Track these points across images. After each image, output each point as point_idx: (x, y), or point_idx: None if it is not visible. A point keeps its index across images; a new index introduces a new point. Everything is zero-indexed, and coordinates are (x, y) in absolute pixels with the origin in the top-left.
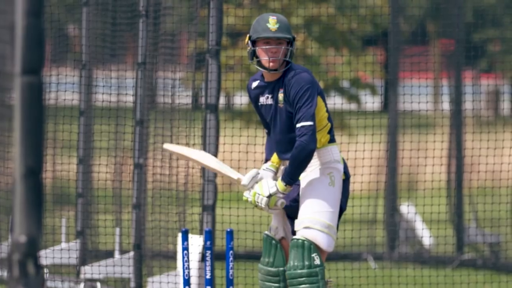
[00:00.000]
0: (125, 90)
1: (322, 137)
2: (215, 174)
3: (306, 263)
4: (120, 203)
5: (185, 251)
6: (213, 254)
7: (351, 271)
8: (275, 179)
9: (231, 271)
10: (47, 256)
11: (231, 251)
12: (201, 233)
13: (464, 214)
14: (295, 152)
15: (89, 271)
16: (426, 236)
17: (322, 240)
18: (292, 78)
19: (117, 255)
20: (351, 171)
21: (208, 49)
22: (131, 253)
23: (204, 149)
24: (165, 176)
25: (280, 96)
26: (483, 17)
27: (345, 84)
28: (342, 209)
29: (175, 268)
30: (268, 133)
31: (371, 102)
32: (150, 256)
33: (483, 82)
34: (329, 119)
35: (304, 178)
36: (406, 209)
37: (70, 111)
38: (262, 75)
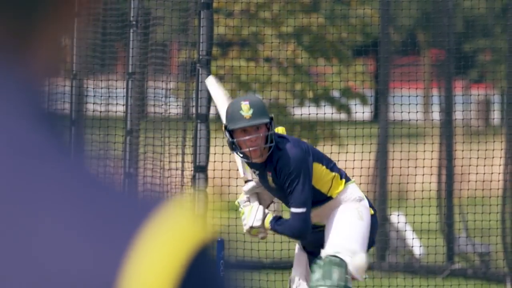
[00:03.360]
0: (115, 100)
1: (336, 187)
2: (206, 183)
3: (341, 283)
4: None
5: None
6: None
7: None
8: (268, 203)
9: None
10: None
11: (221, 261)
12: None
13: (454, 223)
14: (286, 226)
15: None
16: (416, 246)
17: (356, 269)
18: (279, 161)
19: None
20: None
21: (199, 59)
22: None
23: (195, 159)
24: (156, 185)
25: (270, 179)
26: (473, 27)
27: (336, 93)
28: (371, 243)
29: None
30: None
31: (361, 112)
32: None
33: (473, 92)
34: (333, 169)
35: (331, 215)
36: (396, 218)
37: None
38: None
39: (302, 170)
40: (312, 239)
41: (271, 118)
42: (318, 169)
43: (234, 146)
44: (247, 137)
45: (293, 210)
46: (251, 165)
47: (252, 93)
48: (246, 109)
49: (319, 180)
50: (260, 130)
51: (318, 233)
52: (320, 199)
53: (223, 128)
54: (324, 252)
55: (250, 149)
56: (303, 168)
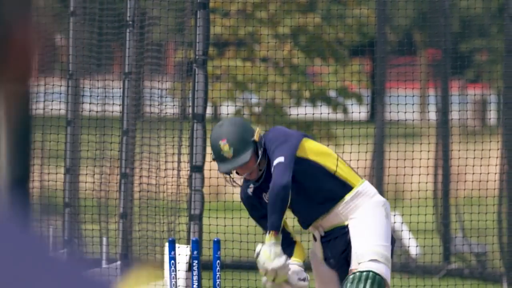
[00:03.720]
0: (112, 100)
1: (354, 177)
2: (202, 183)
3: None
4: (107, 213)
5: (172, 261)
6: (200, 264)
7: None
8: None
9: (218, 280)
10: None
11: (218, 261)
12: (188, 243)
13: (450, 223)
14: (271, 192)
15: None
16: (412, 246)
17: (387, 276)
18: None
19: (104, 264)
20: None
21: (195, 59)
22: (118, 263)
23: (191, 159)
24: (152, 185)
25: (266, 196)
26: (470, 27)
27: (332, 93)
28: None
29: (162, 277)
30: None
31: (358, 111)
32: (137, 266)
33: (470, 92)
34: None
35: (357, 212)
36: (392, 218)
37: (57, 121)
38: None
39: (286, 136)
40: (335, 246)
41: (254, 141)
42: (311, 144)
43: (232, 180)
44: (239, 176)
45: (275, 162)
46: (257, 188)
47: (228, 118)
48: (226, 149)
49: (319, 155)
50: (249, 163)
51: (341, 237)
52: (343, 190)
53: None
54: (357, 259)
55: (246, 177)
56: (288, 135)
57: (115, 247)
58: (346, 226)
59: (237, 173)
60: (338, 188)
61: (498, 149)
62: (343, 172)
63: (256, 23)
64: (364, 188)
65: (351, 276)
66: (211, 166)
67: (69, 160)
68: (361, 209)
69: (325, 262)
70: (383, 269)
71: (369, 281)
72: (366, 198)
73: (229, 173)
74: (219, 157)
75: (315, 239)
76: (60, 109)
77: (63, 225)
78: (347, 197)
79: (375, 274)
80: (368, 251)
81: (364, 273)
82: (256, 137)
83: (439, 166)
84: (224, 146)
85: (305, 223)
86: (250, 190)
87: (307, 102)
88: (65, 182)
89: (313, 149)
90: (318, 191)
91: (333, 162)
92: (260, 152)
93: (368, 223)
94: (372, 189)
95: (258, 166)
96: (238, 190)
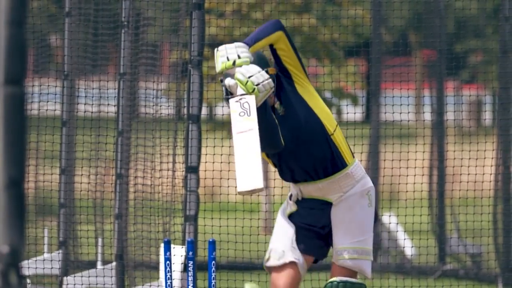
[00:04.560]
0: (107, 100)
1: (348, 152)
2: (197, 184)
3: None
4: (102, 214)
5: (168, 262)
6: (196, 265)
7: None
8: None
9: (213, 281)
10: (29, 267)
11: (213, 262)
12: (183, 244)
13: (446, 224)
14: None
15: (72, 281)
16: (408, 246)
17: (368, 269)
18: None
19: (99, 265)
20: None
21: (190, 59)
22: (114, 264)
23: (186, 160)
24: (147, 186)
25: (277, 105)
26: (465, 28)
27: (327, 94)
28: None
29: (157, 278)
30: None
31: (353, 112)
32: (132, 267)
33: (465, 93)
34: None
35: (342, 201)
36: (387, 219)
37: (52, 122)
38: None
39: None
40: (313, 214)
41: (267, 70)
42: (318, 97)
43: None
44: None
45: None
46: None
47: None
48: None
49: (327, 114)
50: None
51: (319, 211)
52: (333, 166)
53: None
54: (338, 253)
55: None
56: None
57: (110, 247)
58: (326, 202)
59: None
60: (329, 161)
61: (493, 150)
62: (339, 141)
63: (251, 24)
64: (353, 170)
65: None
66: (206, 167)
67: (64, 160)
68: (347, 198)
69: (288, 218)
70: (363, 265)
71: None
72: (352, 181)
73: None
74: (229, 72)
75: (290, 197)
76: (55, 110)
77: (58, 225)
78: (336, 175)
79: (351, 284)
80: (347, 249)
81: (341, 284)
82: (270, 70)
83: (434, 167)
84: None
85: (286, 178)
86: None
87: None
88: (60, 183)
89: (317, 100)
90: (309, 155)
91: (332, 124)
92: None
93: (350, 218)
94: (360, 171)
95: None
96: (233, 190)
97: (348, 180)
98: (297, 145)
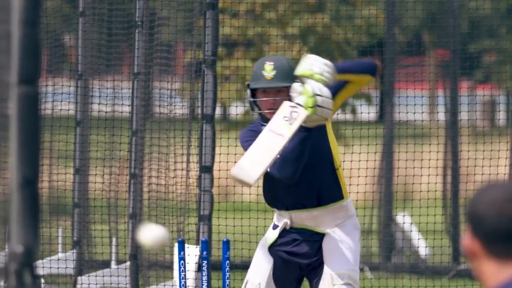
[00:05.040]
0: (121, 100)
1: (345, 187)
2: (211, 184)
3: None
4: (116, 213)
5: (182, 261)
6: (210, 264)
7: None
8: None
9: (227, 281)
10: (43, 266)
11: (227, 261)
12: (197, 243)
13: (460, 224)
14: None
15: (86, 281)
16: (422, 246)
17: None
18: None
19: (113, 265)
20: (346, 181)
21: (204, 59)
22: (128, 263)
23: (200, 160)
24: (161, 186)
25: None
26: (479, 28)
27: None
28: None
29: (171, 278)
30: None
31: (367, 112)
32: (146, 266)
33: (479, 93)
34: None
35: (336, 231)
36: (402, 219)
37: (66, 121)
38: (265, 119)
39: None
40: (297, 244)
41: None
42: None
43: (254, 106)
44: (264, 99)
45: None
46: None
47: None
48: (268, 70)
49: (337, 149)
50: (280, 94)
51: (307, 243)
52: (333, 196)
53: (246, 87)
54: (332, 278)
55: (266, 111)
56: None
57: (124, 247)
58: (315, 234)
59: (256, 106)
60: (330, 191)
61: (507, 150)
62: (341, 176)
63: (265, 24)
64: (348, 204)
65: None
66: (220, 167)
67: (78, 160)
68: (341, 228)
69: (268, 251)
70: None
71: None
72: (345, 214)
73: (255, 109)
74: (257, 76)
75: (274, 227)
76: (69, 110)
77: (72, 225)
78: (333, 205)
79: None
80: (344, 275)
81: None
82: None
83: (448, 167)
84: (268, 66)
85: (277, 204)
86: (263, 128)
87: None
88: (74, 183)
89: (333, 136)
90: (314, 180)
91: (339, 160)
92: None
93: (346, 246)
94: (352, 209)
95: None
96: (247, 190)
97: (342, 212)
98: (304, 169)
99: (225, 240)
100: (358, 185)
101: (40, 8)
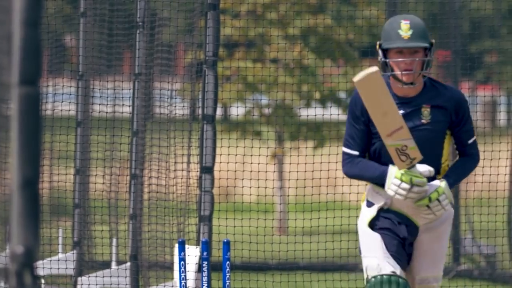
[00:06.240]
0: (122, 100)
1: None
2: (212, 184)
3: None
4: (117, 214)
5: (182, 262)
6: (210, 265)
7: (347, 282)
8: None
9: (228, 281)
10: (44, 267)
11: (228, 262)
12: (198, 244)
13: (460, 225)
14: (471, 163)
15: (86, 282)
16: None
17: None
18: (456, 94)
19: (113, 265)
20: (346, 182)
21: (205, 60)
22: (128, 264)
23: (201, 160)
24: (162, 186)
25: (426, 111)
26: (480, 28)
27: (342, 95)
28: None
29: (172, 278)
30: (359, 155)
31: None
32: (146, 267)
33: (480, 93)
34: None
35: (431, 230)
36: None
37: (67, 122)
38: (388, 86)
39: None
40: (395, 224)
41: (431, 44)
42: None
43: (385, 67)
44: (401, 59)
45: (473, 138)
46: (400, 101)
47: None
48: (405, 29)
49: (447, 153)
50: (417, 54)
51: (403, 224)
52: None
53: (377, 47)
54: (433, 278)
55: (403, 72)
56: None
57: (124, 248)
58: (410, 222)
59: (392, 75)
60: (432, 180)
61: (508, 150)
62: (443, 171)
63: (266, 24)
64: None
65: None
66: (220, 167)
67: (79, 160)
68: (436, 229)
69: (369, 228)
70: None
71: None
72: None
73: (387, 70)
74: (392, 35)
75: (369, 204)
76: (70, 110)
77: (73, 226)
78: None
79: None
80: (434, 277)
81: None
82: (432, 42)
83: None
84: (405, 25)
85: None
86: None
87: (317, 103)
88: (75, 183)
89: (449, 145)
90: (432, 158)
91: (447, 153)
92: (430, 56)
93: (438, 247)
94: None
95: (419, 72)
96: (247, 191)
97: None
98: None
99: (225, 240)
100: (358, 185)
101: (41, 9)
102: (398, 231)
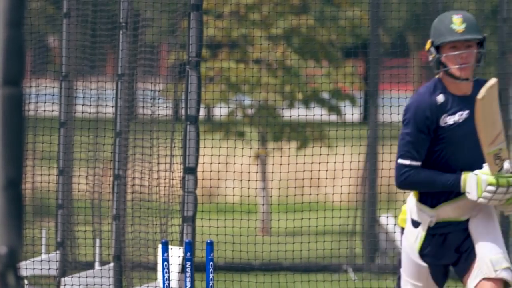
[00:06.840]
0: (105, 101)
1: None
2: (195, 185)
3: None
4: (100, 214)
5: (165, 263)
6: (193, 266)
7: (330, 282)
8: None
9: (211, 282)
10: (27, 268)
11: (211, 263)
12: (181, 245)
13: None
14: None
15: (69, 282)
16: None
17: None
18: None
19: (97, 266)
20: (330, 182)
21: (188, 60)
22: (111, 265)
23: (184, 161)
24: (145, 187)
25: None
26: None
27: (325, 95)
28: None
29: (155, 279)
30: (418, 165)
31: (351, 113)
32: (130, 268)
33: None
34: None
35: (480, 212)
36: (385, 220)
37: (50, 123)
38: (443, 88)
39: None
40: (443, 242)
41: (484, 37)
42: None
43: (439, 65)
44: (457, 52)
45: None
46: (454, 102)
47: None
48: (458, 23)
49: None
50: (471, 48)
51: (455, 233)
52: None
53: (429, 45)
54: (491, 264)
55: (462, 66)
56: None
57: (108, 248)
58: (462, 223)
59: (445, 72)
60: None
61: None
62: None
63: (249, 25)
64: None
65: None
66: (204, 168)
67: (62, 161)
68: (484, 210)
69: (419, 257)
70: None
71: None
72: None
73: (440, 67)
74: (446, 29)
75: (415, 224)
76: (53, 111)
77: (56, 226)
78: None
79: None
80: (502, 258)
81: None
82: (485, 36)
83: None
84: (458, 19)
85: (428, 200)
86: (440, 99)
87: (300, 103)
88: (58, 184)
89: None
90: (470, 165)
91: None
92: (484, 48)
93: (494, 225)
94: None
95: (476, 65)
96: (230, 192)
97: None
98: (479, 152)
99: (208, 241)
100: (342, 186)
101: (24, 9)
102: (446, 247)
